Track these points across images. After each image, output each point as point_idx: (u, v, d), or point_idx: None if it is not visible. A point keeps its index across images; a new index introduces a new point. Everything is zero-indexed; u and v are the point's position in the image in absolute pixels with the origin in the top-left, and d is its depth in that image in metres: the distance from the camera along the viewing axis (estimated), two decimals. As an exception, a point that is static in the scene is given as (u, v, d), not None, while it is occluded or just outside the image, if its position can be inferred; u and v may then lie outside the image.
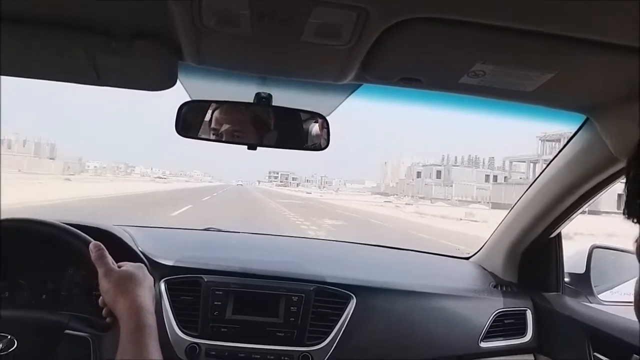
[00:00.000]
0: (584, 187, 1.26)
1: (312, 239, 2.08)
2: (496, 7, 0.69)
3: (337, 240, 2.13)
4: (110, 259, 0.96)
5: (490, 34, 0.74)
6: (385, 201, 42.82)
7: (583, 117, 1.17)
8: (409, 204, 38.37)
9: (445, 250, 1.78)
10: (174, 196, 24.29)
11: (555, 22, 0.72)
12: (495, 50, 0.81)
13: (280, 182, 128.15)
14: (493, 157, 75.29)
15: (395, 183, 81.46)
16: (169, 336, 1.27)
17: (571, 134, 1.24)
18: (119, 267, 0.96)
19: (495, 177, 58.97)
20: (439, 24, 0.74)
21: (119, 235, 1.34)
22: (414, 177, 70.55)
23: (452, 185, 58.46)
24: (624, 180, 0.44)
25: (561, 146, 1.30)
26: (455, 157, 74.71)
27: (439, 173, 64.65)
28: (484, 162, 73.00)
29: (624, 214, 0.41)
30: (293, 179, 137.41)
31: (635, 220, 0.39)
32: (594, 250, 1.50)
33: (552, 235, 1.49)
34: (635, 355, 1.15)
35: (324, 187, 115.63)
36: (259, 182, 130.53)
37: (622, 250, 1.50)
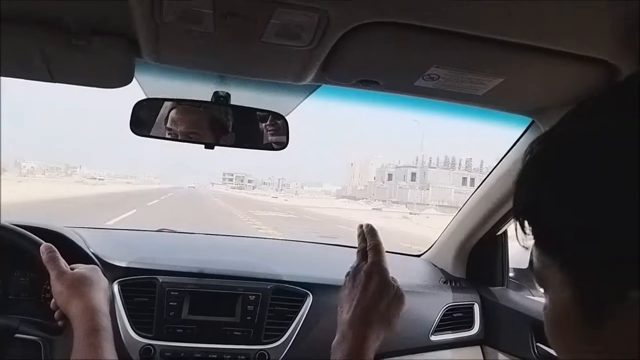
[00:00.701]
0: None
1: (267, 238, 2.08)
2: (451, 13, 0.73)
3: (292, 240, 2.15)
4: (62, 261, 0.94)
5: (445, 38, 0.79)
6: (373, 209, 36.19)
7: (529, 120, 1.24)
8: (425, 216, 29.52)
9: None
10: (84, 204, 17.36)
11: (505, 30, 0.77)
12: (450, 54, 0.86)
13: (236, 184, 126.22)
14: (471, 159, 72.51)
15: (363, 186, 76.22)
16: (123, 338, 1.24)
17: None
18: (72, 269, 0.94)
19: (472, 180, 55.54)
20: (397, 28, 0.77)
21: (69, 236, 1.30)
22: (385, 180, 65.85)
23: (428, 189, 55.28)
24: None
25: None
26: (430, 158, 70.49)
27: (413, 175, 60.18)
28: (460, 164, 69.61)
29: (522, 233, 0.41)
30: (249, 181, 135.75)
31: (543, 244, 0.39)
32: (537, 246, 1.59)
33: (499, 233, 1.57)
34: None
35: (281, 189, 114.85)
36: (213, 184, 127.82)
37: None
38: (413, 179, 59.95)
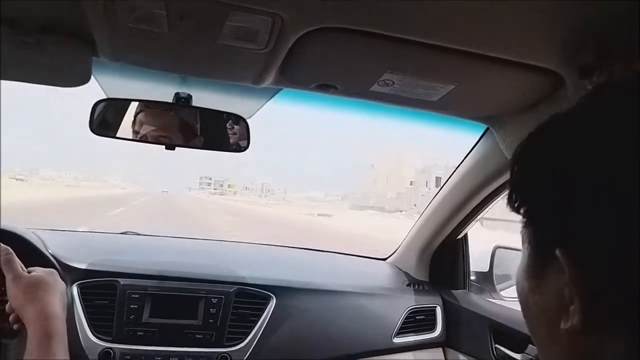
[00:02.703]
0: (485, 191, 1.37)
1: (232, 241, 2.07)
2: (400, 21, 0.75)
3: (257, 243, 2.15)
4: (19, 263, 0.93)
5: (396, 45, 0.80)
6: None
7: (484, 127, 1.27)
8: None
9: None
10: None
11: (455, 38, 0.79)
12: (402, 61, 0.87)
13: (214, 189, 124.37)
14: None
15: (396, 193, 60.02)
16: (82, 341, 1.23)
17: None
18: (29, 272, 0.93)
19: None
20: (349, 34, 0.79)
21: (27, 238, 1.28)
22: (432, 185, 52.42)
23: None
24: None
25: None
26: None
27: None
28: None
29: (507, 205, 0.46)
30: (229, 185, 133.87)
31: (517, 211, 0.44)
32: (497, 250, 1.63)
33: (459, 237, 1.61)
34: (530, 345, 1.27)
35: (265, 195, 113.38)
36: (190, 189, 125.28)
37: (521, 250, 1.65)
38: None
